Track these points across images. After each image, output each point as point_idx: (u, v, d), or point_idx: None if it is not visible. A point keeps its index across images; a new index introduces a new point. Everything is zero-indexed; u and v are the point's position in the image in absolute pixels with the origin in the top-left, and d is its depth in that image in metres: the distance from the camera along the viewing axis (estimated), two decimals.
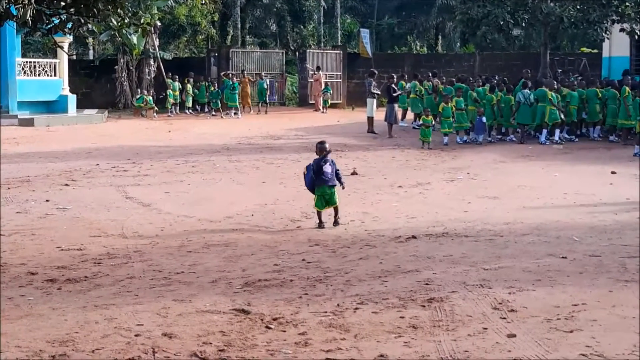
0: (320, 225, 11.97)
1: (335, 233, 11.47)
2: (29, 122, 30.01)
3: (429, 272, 8.96)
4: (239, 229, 11.96)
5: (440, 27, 58.52)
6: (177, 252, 10.36)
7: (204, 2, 43.06)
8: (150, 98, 35.57)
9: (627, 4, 28.49)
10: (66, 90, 34.09)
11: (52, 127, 29.67)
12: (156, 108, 35.25)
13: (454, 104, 24.74)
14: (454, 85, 28.10)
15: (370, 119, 28.08)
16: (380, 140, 26.00)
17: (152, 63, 38.96)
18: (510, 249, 10.17)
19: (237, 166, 19.57)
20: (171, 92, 36.03)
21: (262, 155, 21.82)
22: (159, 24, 36.36)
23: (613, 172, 17.56)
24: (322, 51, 43.04)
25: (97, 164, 19.56)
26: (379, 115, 28.27)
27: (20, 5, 8.36)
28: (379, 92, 29.23)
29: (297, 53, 46.37)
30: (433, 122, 24.99)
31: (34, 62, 33.92)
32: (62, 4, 9.14)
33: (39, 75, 33.22)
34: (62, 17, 9.36)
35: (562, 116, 24.37)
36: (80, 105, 35.17)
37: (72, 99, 34.16)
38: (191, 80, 36.93)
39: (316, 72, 38.95)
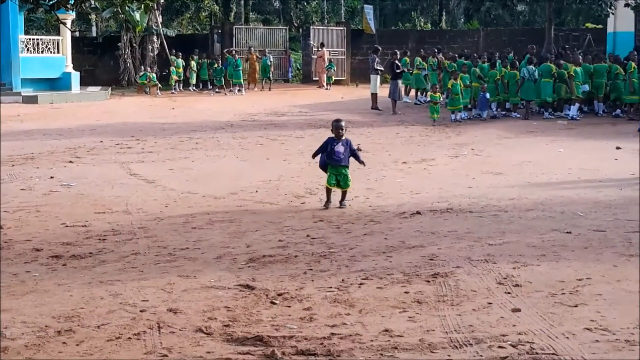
0: (327, 203, 11.69)
1: (339, 209, 11.47)
2: (32, 100, 30.00)
3: (433, 248, 8.96)
4: (243, 205, 11.96)
5: (444, 3, 58.23)
6: (181, 228, 10.37)
7: None
8: (154, 75, 35.51)
9: None
10: (69, 68, 34.05)
11: (55, 105, 29.65)
12: (160, 85, 35.19)
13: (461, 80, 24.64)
14: (457, 61, 28.03)
15: (374, 96, 28.03)
16: (384, 117, 25.96)
17: (155, 40, 38.86)
18: (514, 225, 10.16)
19: (241, 143, 19.56)
20: (174, 69, 35.93)
21: (266, 131, 21.81)
22: (162, 0, 36.25)
23: (618, 148, 17.52)
24: (325, 28, 42.92)
25: (101, 141, 19.56)
26: (383, 91, 28.21)
27: None
28: (383, 69, 29.14)
29: (300, 30, 46.26)
30: (441, 98, 24.85)
31: (37, 39, 33.86)
32: None
33: (42, 52, 33.17)
34: None
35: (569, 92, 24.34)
36: (84, 83, 35.15)
37: (76, 76, 34.13)
38: (195, 57, 36.86)
39: (320, 49, 38.83)
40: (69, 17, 30.71)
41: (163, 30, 39.14)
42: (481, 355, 5.64)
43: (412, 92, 30.80)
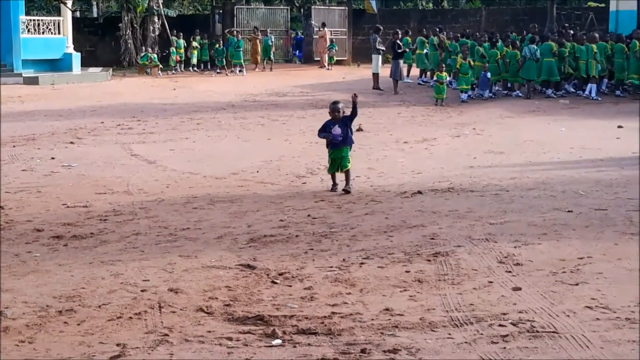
0: (334, 187, 11.40)
1: (340, 188, 11.45)
2: (33, 81, 29.94)
3: (434, 227, 8.96)
4: (245, 185, 11.95)
5: None
6: (182, 208, 10.36)
7: None
8: (155, 56, 35.41)
9: None
10: (70, 49, 33.95)
11: (56, 86, 29.61)
12: (161, 66, 35.11)
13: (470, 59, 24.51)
14: (459, 41, 27.95)
15: (376, 76, 27.97)
16: (385, 97, 25.91)
17: (157, 20, 38.71)
18: (516, 204, 10.15)
19: (242, 123, 19.54)
20: (174, 49, 35.82)
21: (267, 112, 21.77)
22: None
23: (620, 127, 17.49)
24: (327, 7, 42.68)
25: (102, 122, 19.54)
26: (385, 71, 28.14)
27: None
28: (384, 49, 29.05)
29: (302, 9, 46.04)
30: (448, 78, 24.69)
31: (38, 20, 33.75)
32: None
33: (43, 33, 33.06)
34: None
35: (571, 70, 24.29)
36: (85, 64, 35.06)
37: (77, 57, 34.04)
38: (197, 37, 36.77)
39: (321, 29, 38.68)
40: None
41: (164, 11, 39.01)
42: (482, 334, 5.65)
43: (415, 72, 30.71)
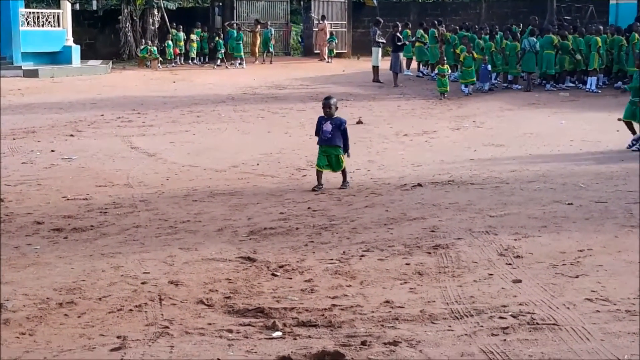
0: (317, 187, 10.95)
1: (340, 181, 11.43)
2: (33, 73, 29.89)
3: (434, 220, 8.95)
4: (245, 178, 11.95)
5: None
6: (182, 201, 10.37)
7: None
8: (155, 49, 35.36)
9: None
10: (70, 41, 33.89)
11: (56, 78, 29.56)
12: (160, 59, 35.06)
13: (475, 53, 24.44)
14: (458, 33, 27.92)
15: (376, 68, 27.95)
16: (385, 89, 25.90)
17: (156, 13, 38.62)
18: (516, 196, 10.15)
19: (242, 116, 19.54)
20: (170, 42, 35.75)
21: (267, 104, 21.77)
22: None
23: (619, 119, 17.44)
24: (327, 0, 42.62)
25: (102, 115, 19.53)
26: (384, 64, 28.11)
27: None
28: (384, 41, 29.02)
29: (301, 2, 45.94)
30: (449, 71, 24.58)
31: (38, 12, 33.69)
32: None
33: (42, 26, 33.01)
34: None
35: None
36: (84, 56, 34.99)
37: (76, 50, 33.98)
38: (196, 30, 36.71)
39: (321, 22, 38.64)
40: None
41: (163, 4, 38.92)
42: (482, 326, 5.65)
43: (415, 65, 30.69)
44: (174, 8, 40.15)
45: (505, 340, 5.38)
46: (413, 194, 10.51)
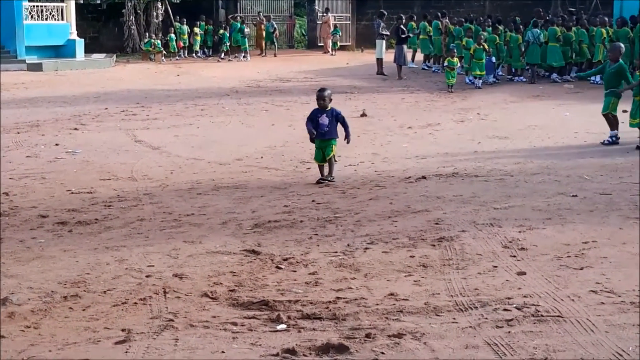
0: (321, 180, 10.97)
1: (345, 174, 11.44)
2: (37, 67, 29.90)
3: (439, 212, 8.95)
4: (249, 171, 11.96)
5: None
6: (187, 194, 10.37)
7: None
8: (158, 42, 35.34)
9: None
10: (74, 35, 33.88)
11: (60, 72, 29.58)
12: (164, 52, 35.05)
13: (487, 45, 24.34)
14: (463, 25, 27.86)
15: (380, 61, 27.91)
16: (389, 82, 25.87)
17: (160, 6, 38.58)
18: (520, 188, 10.14)
19: (246, 109, 19.53)
20: (174, 35, 35.73)
21: (271, 97, 21.76)
22: None
23: (625, 111, 17.39)
24: None
25: (106, 108, 19.53)
26: (388, 56, 28.07)
27: None
28: (388, 34, 28.98)
29: None
30: (459, 64, 24.39)
31: (41, 6, 33.63)
32: None
33: (46, 19, 33.00)
34: None
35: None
36: (88, 50, 34.98)
37: (80, 44, 33.96)
38: (200, 23, 36.68)
39: (325, 14, 38.59)
40: None
41: None
42: (486, 318, 5.65)
43: (419, 57, 30.64)
44: (178, 1, 40.07)
45: (509, 332, 5.38)
46: (417, 186, 10.50)
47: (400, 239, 7.88)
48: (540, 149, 13.35)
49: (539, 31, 24.56)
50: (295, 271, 6.97)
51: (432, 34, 29.37)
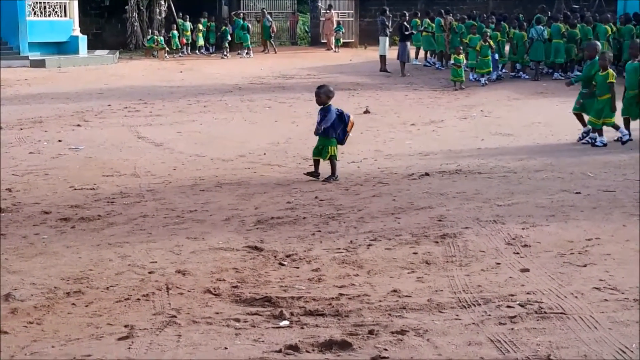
0: (313, 173, 10.94)
1: (347, 171, 11.43)
2: (40, 64, 29.89)
3: (442, 209, 8.94)
4: (252, 167, 11.95)
5: None
6: (189, 190, 10.37)
7: None
8: (162, 38, 35.33)
9: None
10: (77, 31, 33.86)
11: (63, 68, 29.58)
12: (167, 48, 35.05)
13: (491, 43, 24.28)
14: (466, 22, 27.83)
15: (383, 58, 27.89)
16: (392, 79, 25.85)
17: (163, 3, 38.55)
18: (523, 185, 10.13)
19: (249, 105, 19.52)
20: (176, 32, 35.70)
21: (274, 94, 21.74)
22: None
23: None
24: None
25: (109, 105, 19.53)
26: (392, 53, 28.05)
27: None
28: (392, 30, 28.96)
29: None
30: (465, 61, 24.25)
31: (44, 2, 33.57)
32: None
33: (49, 15, 32.97)
34: None
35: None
36: (91, 46, 34.96)
37: (83, 40, 33.95)
38: (203, 20, 36.67)
39: (328, 11, 38.56)
40: None
41: None
42: (489, 315, 5.64)
43: (422, 54, 30.63)
44: None
45: (512, 329, 5.38)
46: (420, 183, 10.50)
47: (403, 236, 7.87)
48: (544, 146, 13.34)
49: (542, 28, 24.52)
50: (298, 268, 6.97)
51: (434, 31, 29.33)
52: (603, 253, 7.09)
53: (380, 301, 6.00)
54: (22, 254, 7.46)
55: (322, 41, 39.56)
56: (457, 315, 5.67)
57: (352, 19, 40.91)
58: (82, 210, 9.30)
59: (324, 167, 11.09)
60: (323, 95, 11.21)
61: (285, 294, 6.20)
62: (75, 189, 10.50)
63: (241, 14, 36.63)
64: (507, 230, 7.94)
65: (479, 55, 23.93)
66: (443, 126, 15.95)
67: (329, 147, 10.95)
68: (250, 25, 36.12)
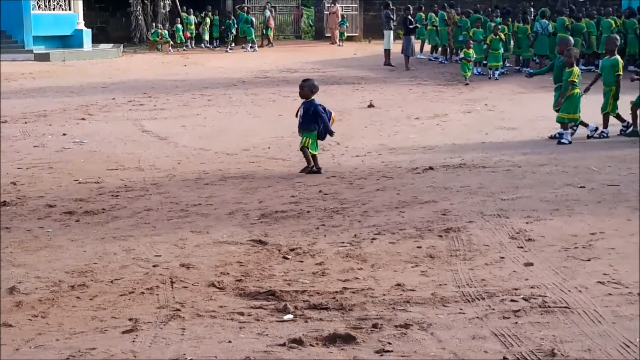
0: (311, 168, 11.02)
1: (352, 165, 11.44)
2: (44, 57, 29.92)
3: (446, 203, 8.94)
4: (256, 161, 11.95)
5: None
6: (194, 184, 10.37)
7: None
8: (166, 32, 35.34)
9: None
10: (81, 25, 33.89)
11: (67, 62, 29.60)
12: (171, 42, 35.05)
13: (502, 35, 24.23)
14: (471, 16, 27.79)
15: (387, 52, 27.89)
16: (397, 73, 25.84)
17: None
18: (528, 179, 10.12)
19: (253, 99, 19.52)
20: (180, 26, 35.70)
21: (278, 88, 21.73)
22: None
23: (632, 102, 17.34)
24: None
25: (114, 98, 19.54)
26: (396, 47, 28.03)
27: None
28: (396, 24, 28.93)
29: None
30: (474, 56, 24.15)
31: None
32: None
33: (53, 9, 33.01)
34: None
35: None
36: (96, 40, 34.99)
37: (88, 34, 33.97)
38: (209, 13, 36.67)
39: (332, 5, 38.54)
40: None
41: None
42: (493, 309, 5.64)
43: (427, 48, 30.60)
44: None
45: (516, 323, 5.38)
46: (424, 177, 10.49)
47: (407, 230, 7.87)
48: (548, 140, 13.31)
49: (547, 22, 24.48)
50: (302, 261, 6.97)
51: (437, 24, 29.29)
52: (607, 247, 7.09)
53: (384, 295, 6.00)
54: (26, 247, 7.47)
55: (327, 35, 39.53)
56: (461, 309, 5.68)
57: (356, 12, 40.89)
58: (87, 203, 9.30)
59: (324, 162, 11.09)
60: (307, 89, 11.31)
61: (289, 288, 6.20)
62: (79, 183, 10.51)
63: (245, 8, 36.60)
64: (511, 224, 7.93)
65: (489, 49, 23.83)
66: (447, 120, 15.94)
67: (305, 138, 11.02)
68: (254, 19, 36.09)
